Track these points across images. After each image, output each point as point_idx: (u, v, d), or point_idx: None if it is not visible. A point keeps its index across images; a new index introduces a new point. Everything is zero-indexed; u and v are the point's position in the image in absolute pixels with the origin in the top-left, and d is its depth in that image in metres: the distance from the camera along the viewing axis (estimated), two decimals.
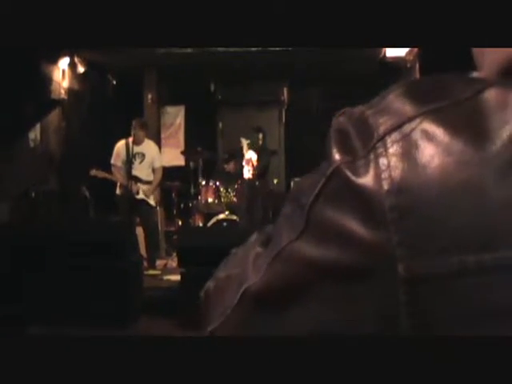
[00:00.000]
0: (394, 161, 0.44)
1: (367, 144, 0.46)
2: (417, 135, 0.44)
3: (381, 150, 0.45)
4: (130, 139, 7.93)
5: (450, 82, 0.48)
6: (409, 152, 0.43)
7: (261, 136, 8.76)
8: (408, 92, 0.47)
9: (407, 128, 0.44)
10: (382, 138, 0.45)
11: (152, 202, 8.07)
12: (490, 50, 0.51)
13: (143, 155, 8.01)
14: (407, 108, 0.45)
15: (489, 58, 0.52)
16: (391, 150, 0.44)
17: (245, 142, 8.73)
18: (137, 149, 7.93)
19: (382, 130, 0.45)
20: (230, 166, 9.01)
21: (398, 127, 0.45)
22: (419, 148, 0.43)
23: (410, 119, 0.44)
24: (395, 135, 0.45)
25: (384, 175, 0.44)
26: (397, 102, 0.46)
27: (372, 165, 0.44)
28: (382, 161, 0.44)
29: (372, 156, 0.45)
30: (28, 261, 5.94)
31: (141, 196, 7.96)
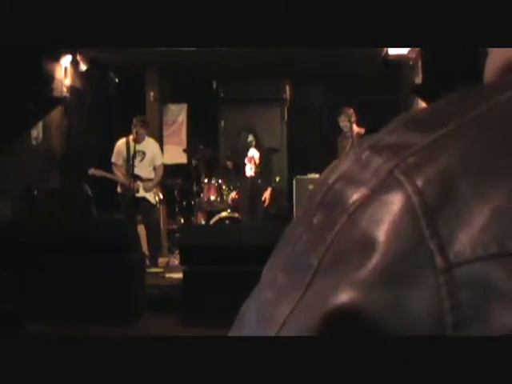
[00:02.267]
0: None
1: None
2: None
3: None
4: (131, 137, 7.93)
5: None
6: None
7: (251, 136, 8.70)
8: None
9: None
10: None
11: (152, 199, 8.07)
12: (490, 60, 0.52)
13: (144, 153, 8.01)
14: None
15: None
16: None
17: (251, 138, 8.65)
18: (137, 147, 7.93)
19: None
20: (231, 164, 9.02)
21: None
22: None
23: None
24: None
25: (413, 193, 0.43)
26: None
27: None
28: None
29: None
30: (29, 258, 5.95)
31: (141, 194, 7.96)
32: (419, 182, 0.42)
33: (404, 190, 0.42)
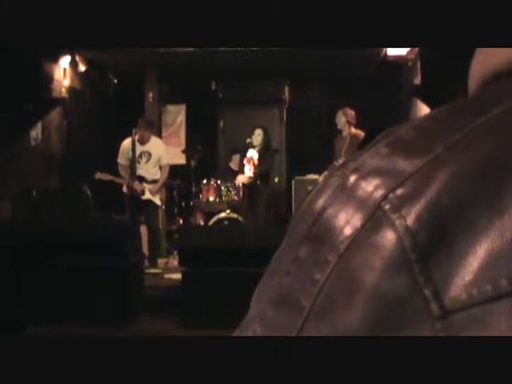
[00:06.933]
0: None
1: None
2: None
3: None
4: (136, 137, 7.88)
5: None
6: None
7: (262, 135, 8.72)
8: None
9: None
10: None
11: (158, 201, 8.04)
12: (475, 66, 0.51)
13: (149, 154, 7.95)
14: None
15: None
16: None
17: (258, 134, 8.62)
18: (142, 148, 7.88)
19: None
20: (234, 163, 9.04)
21: None
22: None
23: None
24: None
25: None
26: None
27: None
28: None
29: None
30: (28, 259, 5.95)
31: (147, 196, 7.92)
32: (410, 221, 0.41)
33: (395, 231, 0.41)
